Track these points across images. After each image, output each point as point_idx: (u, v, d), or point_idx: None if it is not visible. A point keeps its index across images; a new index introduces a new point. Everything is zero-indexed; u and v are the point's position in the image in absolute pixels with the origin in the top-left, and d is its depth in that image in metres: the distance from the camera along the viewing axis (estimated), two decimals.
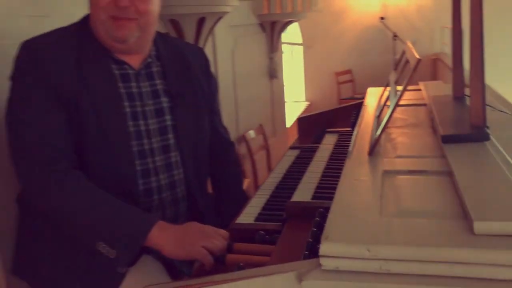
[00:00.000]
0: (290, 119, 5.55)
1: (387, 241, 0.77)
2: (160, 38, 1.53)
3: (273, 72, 4.80)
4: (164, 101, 1.47)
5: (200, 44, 2.74)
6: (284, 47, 7.44)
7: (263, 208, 1.42)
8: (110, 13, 1.32)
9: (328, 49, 7.52)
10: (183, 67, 1.53)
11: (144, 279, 1.36)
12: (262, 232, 1.23)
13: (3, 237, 1.53)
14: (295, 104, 7.68)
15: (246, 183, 2.59)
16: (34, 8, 1.71)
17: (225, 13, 2.76)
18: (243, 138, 3.79)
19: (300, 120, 2.44)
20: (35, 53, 1.33)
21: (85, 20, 1.42)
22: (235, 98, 3.78)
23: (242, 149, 3.84)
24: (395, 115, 1.74)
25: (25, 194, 1.42)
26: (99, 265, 1.32)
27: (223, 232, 1.27)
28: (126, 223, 1.26)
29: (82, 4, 1.70)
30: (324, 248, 0.78)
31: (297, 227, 1.19)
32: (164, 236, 1.24)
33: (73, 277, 1.38)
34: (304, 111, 7.39)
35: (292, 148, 2.05)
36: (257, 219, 1.36)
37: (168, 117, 1.47)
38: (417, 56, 1.20)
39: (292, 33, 7.39)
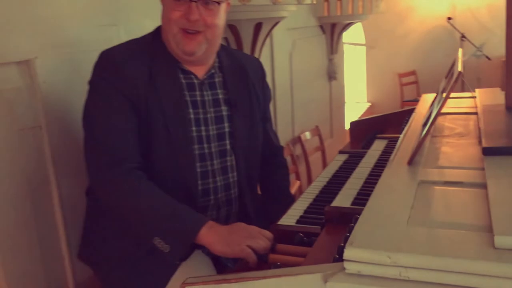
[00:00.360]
0: (351, 120, 5.53)
1: (407, 249, 0.81)
2: (222, 50, 1.65)
3: (332, 74, 4.82)
4: (224, 109, 1.59)
5: (257, 48, 2.83)
6: (346, 48, 7.41)
7: (305, 211, 1.49)
8: (181, 26, 1.45)
9: (391, 49, 7.39)
10: (242, 78, 1.65)
11: (193, 271, 1.48)
12: (301, 234, 1.30)
13: (72, 225, 1.70)
14: (356, 105, 7.61)
15: (298, 184, 2.66)
16: (105, 18, 1.87)
17: (282, 18, 2.83)
18: (298, 139, 3.84)
19: (352, 125, 2.46)
20: (113, 61, 1.46)
21: (157, 31, 1.56)
22: (291, 100, 3.84)
23: (297, 150, 3.91)
24: (444, 123, 1.74)
25: (92, 189, 1.56)
26: (155, 256, 1.44)
27: (267, 233, 1.32)
28: (179, 221, 1.35)
29: (146, 14, 1.85)
30: (348, 252, 0.84)
31: (334, 231, 1.24)
32: (213, 235, 1.32)
33: (131, 265, 1.51)
34: (366, 113, 7.32)
35: (341, 152, 2.09)
36: (298, 222, 1.42)
37: (226, 124, 1.59)
38: (459, 69, 1.21)
39: (355, 34, 7.33)
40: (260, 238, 1.29)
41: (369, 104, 7.69)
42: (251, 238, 1.28)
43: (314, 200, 1.58)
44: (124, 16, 1.93)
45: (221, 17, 1.51)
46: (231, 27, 2.69)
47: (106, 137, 1.43)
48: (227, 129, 1.60)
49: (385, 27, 7.21)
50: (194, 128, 1.52)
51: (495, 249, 0.79)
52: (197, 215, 1.39)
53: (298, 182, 2.73)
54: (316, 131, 4.13)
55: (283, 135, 3.67)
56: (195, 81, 1.55)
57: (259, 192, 1.83)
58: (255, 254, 1.26)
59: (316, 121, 4.27)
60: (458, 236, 0.86)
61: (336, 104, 5.02)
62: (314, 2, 2.82)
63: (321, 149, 4.12)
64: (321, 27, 4.51)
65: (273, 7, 2.60)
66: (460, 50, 1.78)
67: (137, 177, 1.42)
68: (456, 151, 1.38)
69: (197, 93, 1.55)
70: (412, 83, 7.33)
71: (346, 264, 0.85)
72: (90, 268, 1.65)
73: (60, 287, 1.70)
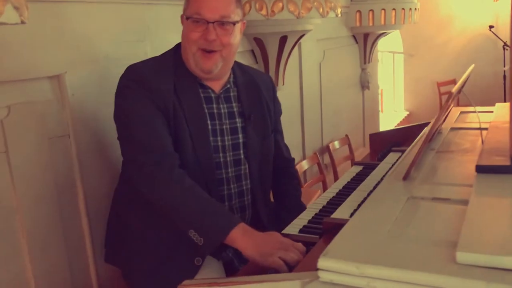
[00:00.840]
0: (387, 128, 5.51)
1: (374, 261, 0.87)
2: (237, 66, 1.78)
3: (366, 83, 4.83)
4: (238, 121, 1.71)
5: (283, 60, 2.91)
6: (384, 56, 7.37)
7: (309, 221, 1.55)
8: (199, 46, 1.57)
9: (430, 58, 7.29)
10: (255, 92, 1.76)
11: (204, 275, 1.58)
12: (300, 243, 1.37)
13: (96, 227, 1.83)
14: (394, 114, 7.55)
15: (318, 194, 2.71)
16: (132, 35, 2.01)
17: (307, 31, 2.90)
18: (326, 149, 3.89)
19: (372, 137, 2.50)
20: (141, 75, 1.58)
21: (177, 49, 1.68)
22: (320, 109, 3.89)
23: (325, 159, 3.95)
24: (454, 138, 1.77)
25: (136, 185, 1.56)
26: (178, 259, 1.56)
27: (300, 246, 1.34)
28: (214, 218, 1.43)
29: (171, 30, 1.97)
30: (321, 262, 0.91)
31: (330, 242, 1.30)
32: (247, 240, 1.37)
33: (154, 264, 1.61)
34: (403, 121, 7.25)
35: (356, 164, 2.14)
36: (301, 231, 1.49)
37: (240, 135, 1.71)
38: (453, 90, 1.26)
39: (393, 41, 7.28)
40: (293, 251, 1.31)
41: (407, 112, 7.61)
42: (284, 250, 1.31)
43: (320, 210, 1.64)
44: (151, 32, 2.06)
45: (236, 36, 1.63)
46: (257, 40, 2.79)
47: (146, 134, 1.51)
48: (241, 140, 1.71)
49: (425, 35, 7.13)
50: (212, 138, 1.64)
51: (457, 264, 0.84)
52: (231, 216, 1.47)
53: (318, 192, 2.79)
54: (346, 140, 4.17)
55: (311, 144, 3.73)
56: (212, 95, 1.67)
57: (272, 200, 1.92)
58: (286, 266, 1.28)
59: (346, 130, 4.31)
60: (428, 250, 0.91)
61: (369, 113, 5.02)
62: (339, 15, 2.86)
63: (351, 158, 4.14)
64: (354, 37, 4.54)
65: (297, 21, 2.67)
66: (472, 66, 1.80)
67: (181, 171, 1.51)
68: (455, 167, 1.42)
69: (214, 106, 1.67)
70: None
71: (320, 273, 0.92)
72: (117, 268, 1.77)
73: (84, 285, 1.83)
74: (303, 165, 3.43)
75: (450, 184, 1.27)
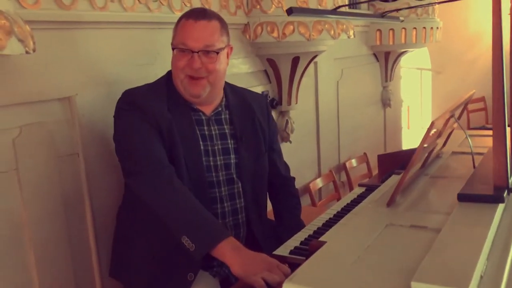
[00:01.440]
0: (412, 146, 5.46)
1: (329, 286, 0.91)
2: (229, 88, 1.85)
3: (387, 101, 4.83)
4: (230, 142, 1.78)
5: (296, 79, 2.97)
6: (411, 72, 7.31)
7: (301, 243, 1.59)
8: (186, 73, 1.67)
9: (459, 74, 7.18)
10: (248, 113, 1.84)
11: None
12: (286, 265, 1.41)
13: (103, 242, 1.92)
14: (421, 131, 7.45)
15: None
16: (143, 58, 2.10)
17: (321, 51, 2.94)
18: (343, 166, 3.90)
19: (380, 158, 2.51)
20: (134, 97, 1.68)
21: (168, 75, 1.77)
22: (338, 127, 3.92)
23: (342, 177, 3.96)
24: (452, 163, 1.77)
25: (136, 192, 1.63)
26: (173, 274, 1.64)
27: (285, 268, 1.37)
28: (207, 227, 1.48)
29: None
30: (286, 286, 0.95)
31: None
32: (236, 257, 1.41)
33: (151, 281, 1.69)
34: (430, 138, 7.12)
35: (360, 185, 2.15)
36: (291, 252, 1.53)
37: (232, 155, 1.78)
38: (433, 119, 1.28)
39: (421, 57, 7.21)
40: (277, 272, 1.35)
41: (435, 130, 7.48)
42: (269, 270, 1.35)
43: (314, 232, 1.67)
44: (161, 56, 2.15)
45: (222, 62, 1.71)
46: (270, 61, 2.86)
47: (145, 148, 1.59)
48: (233, 160, 1.77)
49: (453, 52, 7.04)
50: (204, 158, 1.71)
51: None
52: (223, 229, 1.53)
53: None
54: (364, 158, 4.16)
55: (327, 162, 3.76)
56: (203, 117, 1.75)
57: (269, 218, 1.96)
58: (268, 286, 1.32)
59: (365, 148, 4.30)
60: (389, 278, 0.94)
61: (391, 130, 5.00)
62: (351, 37, 2.90)
63: (369, 176, 4.13)
64: (375, 55, 4.55)
65: (309, 43, 2.72)
66: (472, 92, 1.81)
67: (177, 180, 1.59)
68: (443, 194, 1.43)
69: (205, 127, 1.74)
70: (480, 110, 7.06)
71: None
72: (120, 282, 1.85)
73: None
74: (317, 183, 3.46)
75: (433, 212, 1.30)
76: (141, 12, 2.05)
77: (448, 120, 1.57)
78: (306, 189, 3.36)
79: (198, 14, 1.68)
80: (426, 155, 1.61)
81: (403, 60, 5.23)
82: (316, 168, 3.67)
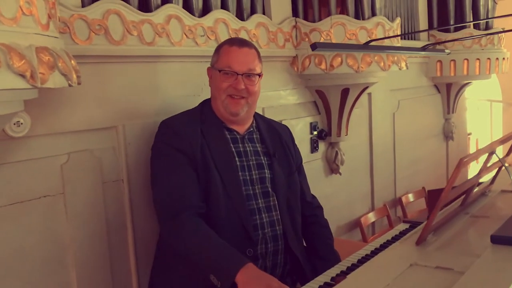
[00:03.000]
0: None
1: None
2: (258, 116, 2.01)
3: (449, 133, 4.65)
4: (263, 159, 1.90)
5: (346, 111, 2.94)
6: (480, 103, 7.00)
7: (332, 279, 1.55)
8: (228, 93, 1.81)
9: None
10: (275, 136, 1.98)
11: None
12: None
13: (143, 266, 1.98)
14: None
15: None
16: (190, 89, 2.18)
17: (372, 83, 2.91)
18: (398, 201, 3.77)
19: (430, 193, 2.40)
20: (172, 127, 1.80)
21: (204, 103, 1.92)
22: (394, 160, 3.81)
23: (398, 213, 3.83)
24: (498, 203, 1.68)
25: (161, 241, 1.85)
26: None
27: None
28: (226, 262, 1.56)
29: None
30: None
31: None
32: (244, 276, 1.50)
33: None
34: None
35: (404, 221, 2.08)
36: (320, 287, 1.50)
37: (267, 171, 1.88)
38: (463, 157, 1.23)
39: (491, 87, 6.90)
40: None
41: (507, 164, 7.07)
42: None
43: (348, 268, 1.63)
44: (206, 88, 2.20)
45: (258, 86, 1.87)
46: (319, 92, 2.86)
47: (167, 189, 1.72)
48: (267, 175, 1.87)
49: None
50: (240, 173, 1.81)
51: None
52: (240, 257, 1.58)
53: None
54: (422, 193, 4.01)
55: (381, 195, 3.65)
56: (238, 136, 1.88)
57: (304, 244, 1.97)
58: None
59: (424, 182, 4.14)
60: None
61: (454, 164, 4.77)
62: (404, 68, 2.84)
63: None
64: (436, 86, 4.42)
65: (358, 75, 2.70)
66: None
67: (196, 222, 1.67)
68: (480, 234, 1.36)
69: (240, 145, 1.87)
70: None
71: None
72: None
73: None
74: (369, 217, 3.37)
75: (463, 254, 1.23)
76: (188, 47, 2.14)
77: (490, 156, 1.50)
78: (357, 223, 3.28)
79: (241, 42, 1.85)
80: (464, 193, 1.54)
81: (470, 90, 5.02)
82: (369, 202, 3.57)
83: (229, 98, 1.81)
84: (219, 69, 1.80)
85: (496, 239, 1.18)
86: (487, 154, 1.53)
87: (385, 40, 2.59)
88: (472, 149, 5.68)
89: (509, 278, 0.98)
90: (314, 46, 1.39)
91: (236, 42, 1.84)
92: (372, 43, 1.62)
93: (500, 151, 2.32)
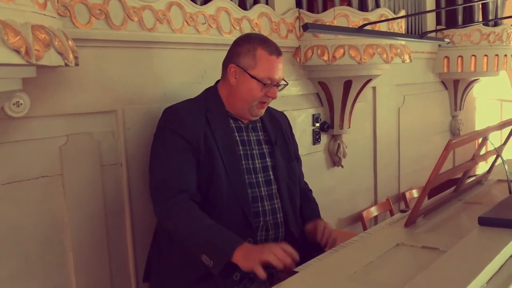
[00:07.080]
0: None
1: None
2: None
3: (456, 130, 4.62)
4: (265, 147, 1.93)
5: (348, 103, 2.94)
6: (491, 103, 6.92)
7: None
8: (260, 100, 1.83)
9: None
10: (275, 124, 2.00)
11: None
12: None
13: (140, 250, 2.00)
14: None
15: None
16: (190, 77, 2.19)
17: (375, 76, 2.90)
18: (402, 196, 3.76)
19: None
20: (176, 113, 1.81)
21: (209, 91, 1.92)
22: (398, 155, 3.80)
23: (401, 207, 3.81)
24: (493, 191, 1.67)
25: (159, 226, 1.87)
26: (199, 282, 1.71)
27: (288, 248, 1.51)
28: (220, 242, 1.59)
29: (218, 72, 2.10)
30: None
31: None
32: (240, 252, 1.53)
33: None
34: None
35: (401, 211, 2.08)
36: None
37: (268, 159, 1.92)
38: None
39: (500, 86, 6.82)
40: (277, 250, 1.48)
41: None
42: (267, 251, 1.48)
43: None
44: (207, 76, 2.23)
45: None
46: (321, 84, 2.86)
47: (167, 174, 1.73)
48: (269, 163, 1.90)
49: None
50: (243, 162, 1.84)
51: None
52: (235, 238, 1.61)
53: None
54: None
55: (384, 190, 3.64)
56: (242, 125, 1.89)
57: None
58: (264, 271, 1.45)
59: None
60: None
61: (462, 161, 4.74)
62: (407, 61, 2.83)
63: None
64: (443, 82, 4.39)
65: (361, 66, 2.70)
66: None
67: (191, 205, 1.70)
68: (470, 219, 1.35)
69: (244, 134, 1.89)
70: None
71: None
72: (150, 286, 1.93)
73: None
74: (371, 211, 3.36)
75: (451, 235, 1.23)
76: (189, 34, 2.15)
77: (483, 143, 1.49)
78: (359, 216, 3.28)
79: (277, 50, 1.84)
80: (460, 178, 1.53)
81: (479, 89, 4.98)
82: (372, 196, 3.56)
83: (260, 104, 1.84)
84: (258, 79, 1.78)
85: (484, 221, 1.18)
86: (481, 139, 1.52)
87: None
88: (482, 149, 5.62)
89: (491, 256, 0.98)
90: (305, 27, 1.40)
91: (275, 51, 1.83)
92: (367, 27, 1.61)
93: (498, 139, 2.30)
